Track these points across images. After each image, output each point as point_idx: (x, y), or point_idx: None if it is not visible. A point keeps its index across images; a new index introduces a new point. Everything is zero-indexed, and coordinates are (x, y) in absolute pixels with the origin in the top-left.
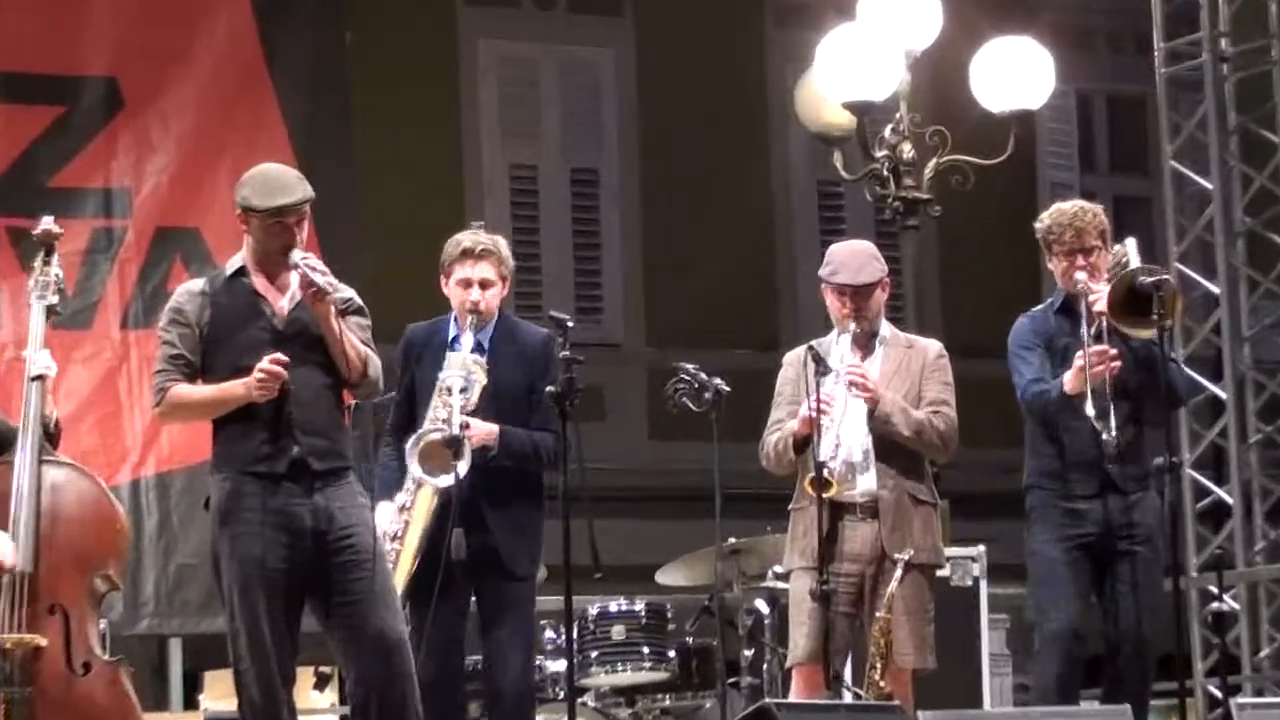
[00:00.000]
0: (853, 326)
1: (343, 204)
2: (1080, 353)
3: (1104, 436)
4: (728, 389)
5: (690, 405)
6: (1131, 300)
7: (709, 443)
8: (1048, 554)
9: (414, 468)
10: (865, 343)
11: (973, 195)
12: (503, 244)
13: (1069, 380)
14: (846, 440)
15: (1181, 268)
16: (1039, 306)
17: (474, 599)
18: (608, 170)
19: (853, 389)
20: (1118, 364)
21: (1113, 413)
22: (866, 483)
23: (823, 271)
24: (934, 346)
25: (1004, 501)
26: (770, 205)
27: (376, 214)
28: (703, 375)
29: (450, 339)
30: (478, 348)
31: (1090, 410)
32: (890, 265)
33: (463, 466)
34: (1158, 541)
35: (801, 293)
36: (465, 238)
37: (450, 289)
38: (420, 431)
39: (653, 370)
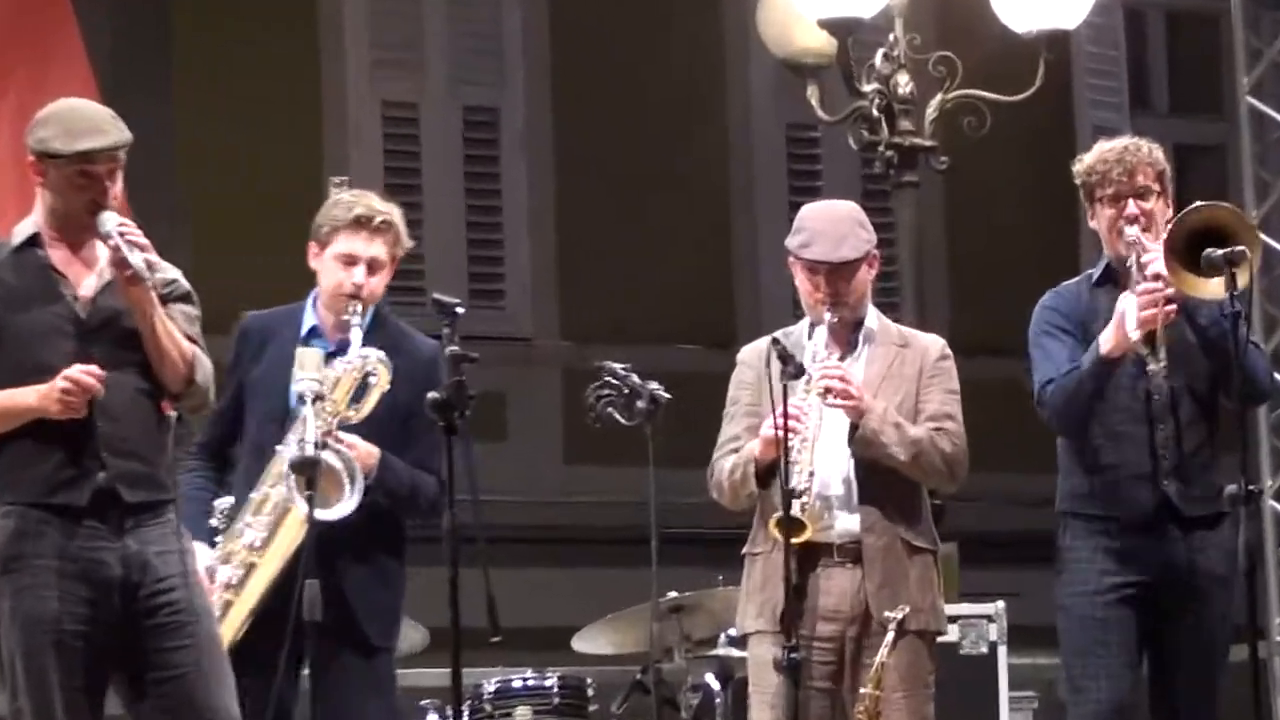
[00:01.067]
0: (829, 315)
1: (159, 156)
2: (1122, 298)
3: (1150, 367)
4: (667, 396)
5: (618, 417)
6: (1194, 250)
7: (642, 467)
8: (1081, 610)
9: (290, 488)
10: (846, 337)
11: (990, 142)
12: (399, 216)
13: (1108, 338)
14: (822, 466)
15: (1264, 238)
16: (1071, 280)
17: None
18: (511, 110)
19: (829, 397)
20: (1173, 309)
21: (1173, 407)
22: (847, 522)
23: (791, 242)
24: (936, 344)
25: (1029, 544)
26: (724, 156)
27: (204, 170)
28: (635, 379)
29: (305, 333)
30: (339, 351)
31: (1135, 336)
32: (881, 234)
33: (352, 500)
34: (1230, 594)
35: (765, 270)
36: (358, 201)
37: (324, 264)
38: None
39: (570, 372)
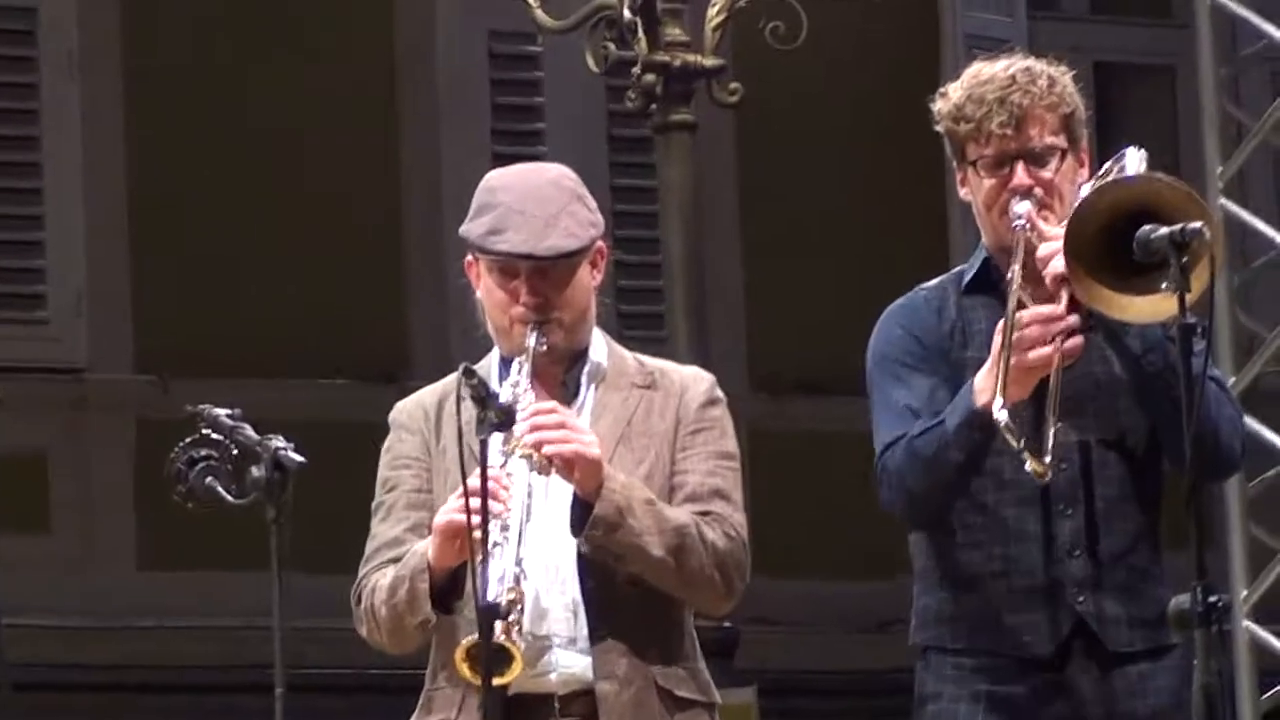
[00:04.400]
0: (533, 340)
1: None
2: (1000, 327)
3: (1028, 465)
4: (300, 460)
5: (223, 493)
6: (1116, 248)
7: (262, 572)
8: None
9: None
10: (557, 376)
11: (809, 61)
12: None
13: (984, 385)
14: (536, 573)
15: (1229, 205)
16: (930, 283)
17: None
18: (57, 17)
19: (539, 459)
20: (1077, 342)
21: (1086, 482)
22: (574, 662)
23: (471, 229)
24: (699, 383)
25: (870, 690)
26: (390, 86)
27: None
28: (249, 432)
29: None
30: None
31: (1001, 418)
32: (636, 206)
33: None
34: None
35: (455, 264)
36: None
37: None
38: None
39: (147, 422)
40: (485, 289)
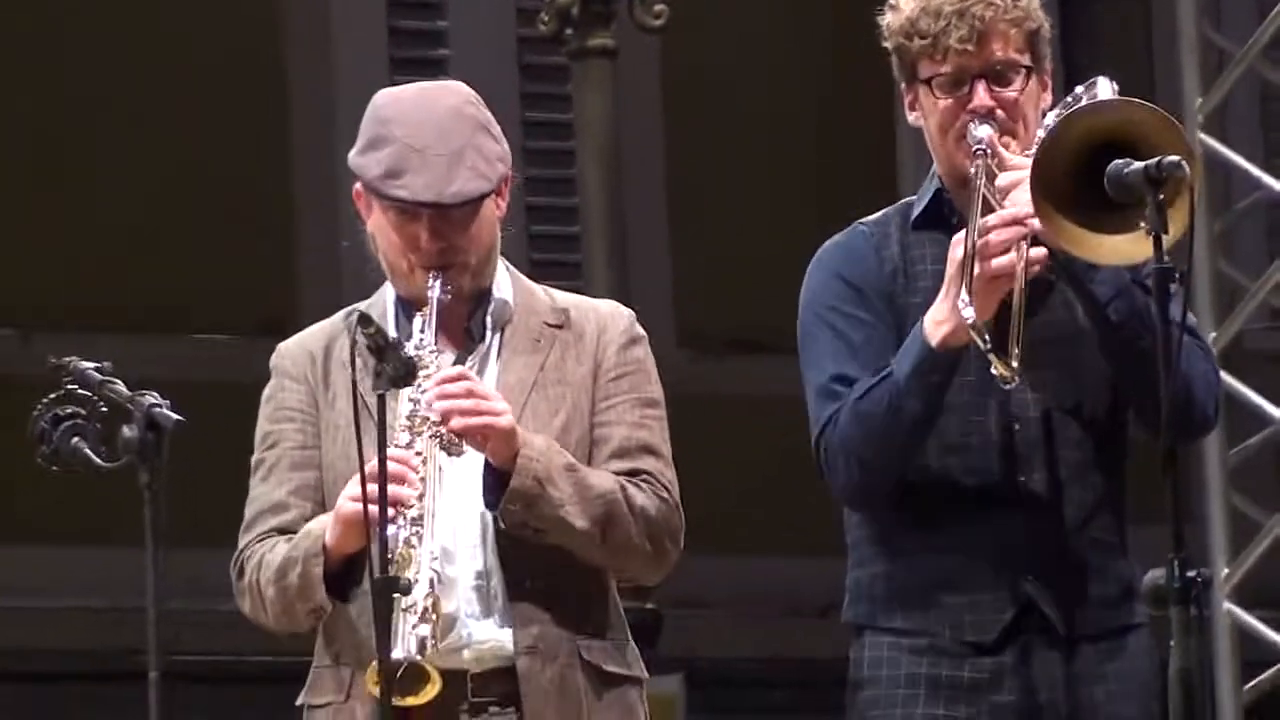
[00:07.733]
0: (436, 289)
1: None
2: (958, 239)
3: (994, 369)
4: (176, 418)
5: (90, 455)
6: (1087, 183)
7: (135, 549)
8: None
9: None
10: (460, 319)
11: None
12: None
13: (940, 315)
14: (440, 542)
15: (1209, 141)
16: (871, 218)
17: None
18: None
19: (448, 436)
20: (1043, 254)
21: (1047, 445)
22: (488, 634)
23: (366, 166)
24: (616, 319)
25: (806, 679)
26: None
27: None
28: (118, 387)
29: None
30: None
31: (969, 316)
32: (546, 145)
33: None
34: None
35: (347, 200)
36: None
37: None
38: None
39: (5, 376)
40: (378, 226)
